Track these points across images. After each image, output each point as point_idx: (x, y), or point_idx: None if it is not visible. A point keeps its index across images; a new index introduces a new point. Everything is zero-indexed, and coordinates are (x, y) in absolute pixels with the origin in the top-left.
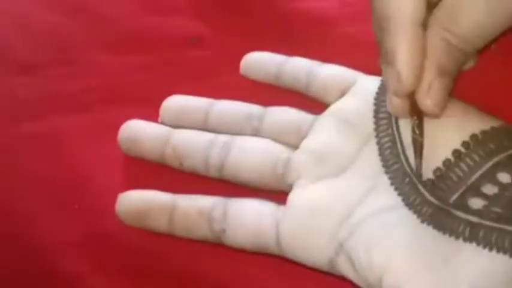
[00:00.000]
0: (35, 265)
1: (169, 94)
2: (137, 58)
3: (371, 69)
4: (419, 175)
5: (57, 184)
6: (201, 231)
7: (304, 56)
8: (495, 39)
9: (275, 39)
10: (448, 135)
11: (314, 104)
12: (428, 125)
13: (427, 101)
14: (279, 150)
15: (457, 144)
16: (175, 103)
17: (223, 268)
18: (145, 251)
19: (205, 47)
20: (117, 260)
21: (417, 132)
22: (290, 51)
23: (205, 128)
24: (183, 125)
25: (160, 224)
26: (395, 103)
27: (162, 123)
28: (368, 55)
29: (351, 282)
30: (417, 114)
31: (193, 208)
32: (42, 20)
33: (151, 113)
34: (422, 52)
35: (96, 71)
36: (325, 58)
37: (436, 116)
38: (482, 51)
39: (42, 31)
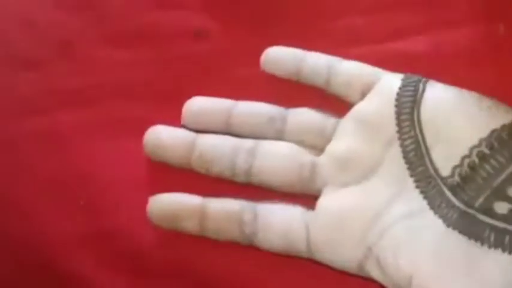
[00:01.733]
0: (38, 261)
1: (176, 89)
2: (142, 53)
3: (377, 60)
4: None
5: (61, 180)
6: (232, 234)
7: (310, 48)
8: None
9: (283, 32)
10: (474, 128)
11: (326, 98)
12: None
13: None
14: (303, 155)
15: (477, 141)
16: (197, 105)
17: (227, 267)
18: (150, 249)
19: (212, 41)
20: (121, 257)
21: None
22: (297, 44)
23: (227, 130)
24: (205, 128)
25: (191, 227)
26: None
27: (184, 126)
28: (373, 46)
29: (379, 285)
30: None
31: (223, 211)
32: (46, 15)
33: (157, 109)
34: None
35: (101, 66)
36: (332, 50)
37: None
38: None
39: (46, 26)
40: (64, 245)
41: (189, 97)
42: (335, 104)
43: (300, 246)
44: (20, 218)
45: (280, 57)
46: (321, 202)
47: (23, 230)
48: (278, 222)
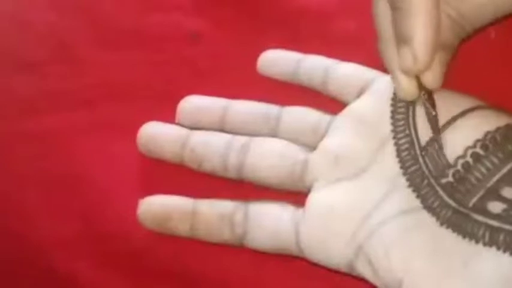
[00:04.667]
0: (32, 262)
1: (171, 91)
2: (137, 55)
3: (372, 64)
4: (441, 148)
5: (56, 182)
6: (223, 235)
7: (305, 51)
8: (495, 22)
9: (275, 35)
10: (464, 132)
11: (320, 100)
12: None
13: (429, 75)
14: (296, 152)
15: (472, 142)
16: (192, 104)
17: (224, 267)
18: (144, 249)
19: (207, 43)
20: (118, 258)
21: (428, 106)
22: (291, 47)
23: (222, 128)
24: (200, 126)
25: (182, 229)
26: (406, 83)
27: (179, 123)
28: (367, 50)
29: (370, 284)
30: (423, 89)
31: (214, 213)
32: (41, 17)
33: (152, 110)
34: (438, 31)
35: (96, 68)
36: (326, 54)
37: (435, 89)
38: (479, 31)
39: (42, 29)
40: (61, 245)
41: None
42: (329, 104)
43: (289, 245)
44: (17, 219)
45: (277, 59)
46: (311, 198)
47: (20, 230)
48: (268, 222)
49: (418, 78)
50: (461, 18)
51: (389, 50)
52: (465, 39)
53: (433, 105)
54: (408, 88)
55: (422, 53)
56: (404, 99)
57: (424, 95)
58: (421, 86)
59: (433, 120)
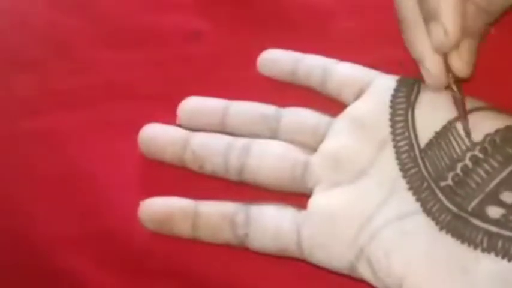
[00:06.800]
0: (35, 261)
1: (172, 90)
2: (138, 54)
3: (371, 64)
4: (468, 135)
5: (58, 181)
6: (225, 236)
7: (304, 51)
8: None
9: (275, 34)
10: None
11: (319, 100)
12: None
13: (459, 61)
14: (296, 154)
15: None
16: (192, 105)
17: (225, 268)
18: (145, 250)
19: (207, 43)
20: (118, 257)
21: (456, 89)
22: (291, 46)
23: (223, 129)
24: (201, 127)
25: (184, 230)
26: (435, 67)
27: (179, 125)
28: (367, 49)
29: (371, 286)
30: (451, 72)
31: (216, 214)
32: (42, 16)
33: (153, 109)
34: (465, 8)
35: (97, 67)
36: (326, 53)
37: (466, 76)
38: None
39: (42, 28)
40: (61, 245)
41: (185, 98)
42: (329, 105)
43: (291, 248)
44: (18, 218)
45: (276, 59)
46: (312, 201)
47: (21, 230)
48: (269, 224)
49: (447, 64)
50: (488, 4)
51: (415, 34)
52: (491, 24)
53: (460, 89)
54: (437, 72)
55: (452, 24)
56: (433, 86)
57: (451, 77)
58: (449, 69)
59: (459, 104)
